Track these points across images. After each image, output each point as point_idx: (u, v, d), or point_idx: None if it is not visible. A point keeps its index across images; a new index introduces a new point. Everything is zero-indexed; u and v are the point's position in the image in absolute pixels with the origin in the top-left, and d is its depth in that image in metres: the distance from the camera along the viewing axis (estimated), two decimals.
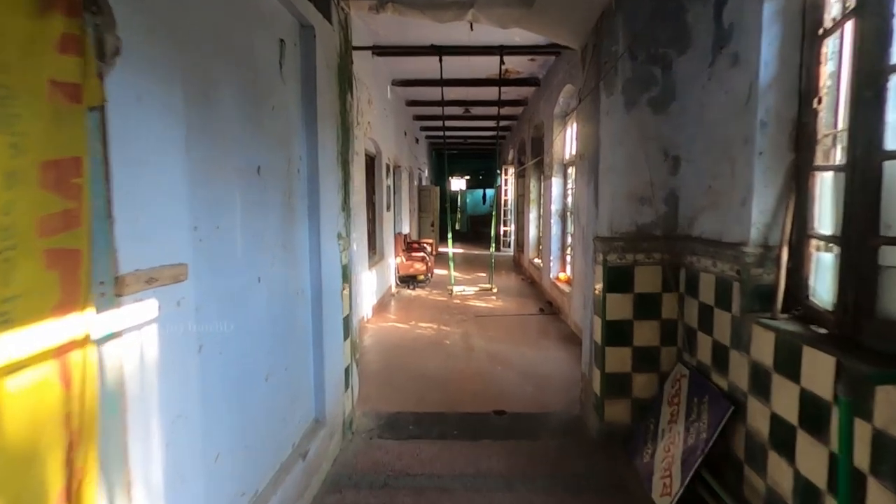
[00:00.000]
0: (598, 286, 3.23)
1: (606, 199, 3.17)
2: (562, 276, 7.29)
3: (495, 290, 5.97)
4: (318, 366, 2.87)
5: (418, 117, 12.08)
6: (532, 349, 5.32)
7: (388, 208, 8.38)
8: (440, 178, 22.31)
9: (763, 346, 2.19)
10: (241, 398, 2.02)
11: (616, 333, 3.11)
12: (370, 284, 6.75)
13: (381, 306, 7.33)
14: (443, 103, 7.60)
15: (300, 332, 2.68)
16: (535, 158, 9.47)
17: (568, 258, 7.29)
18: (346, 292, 3.30)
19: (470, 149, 19.10)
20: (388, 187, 8.44)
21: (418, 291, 8.70)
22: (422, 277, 9.15)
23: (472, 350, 5.26)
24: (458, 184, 23.60)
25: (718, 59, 2.60)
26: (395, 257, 9.02)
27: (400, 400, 3.92)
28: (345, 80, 3.35)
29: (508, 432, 3.36)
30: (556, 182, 7.42)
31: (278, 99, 2.39)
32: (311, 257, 2.80)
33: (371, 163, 7.48)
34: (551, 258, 7.54)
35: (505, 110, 11.48)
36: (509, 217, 15.00)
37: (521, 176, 11.61)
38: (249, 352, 2.09)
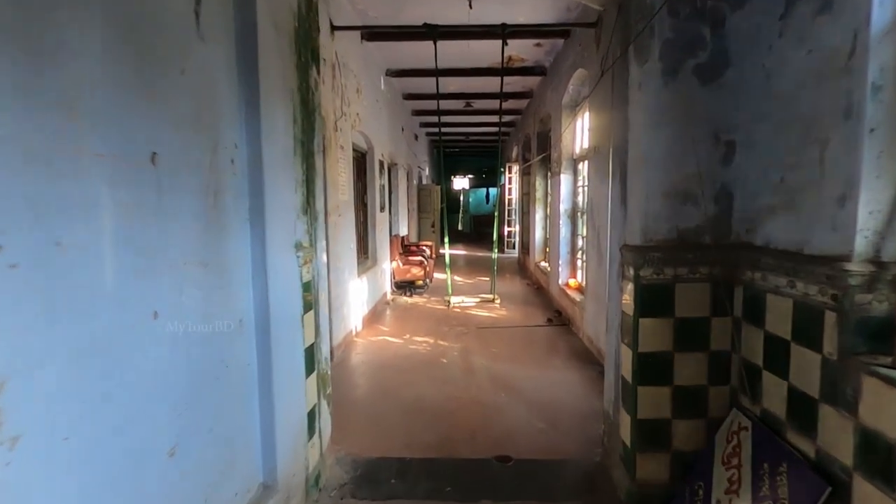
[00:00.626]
0: (628, 308, 2.56)
1: (638, 198, 2.49)
2: (572, 282, 6.61)
3: (498, 301, 5.32)
4: (266, 415, 2.22)
5: (418, 112, 11.43)
6: (541, 369, 4.65)
7: (383, 209, 7.73)
8: (442, 176, 21.66)
9: (883, 408, 1.51)
10: (122, 491, 1.37)
11: (651, 369, 2.43)
12: (360, 293, 6.10)
13: (373, 317, 6.68)
14: (439, 96, 6.93)
15: (236, 377, 2.03)
16: (540, 154, 8.79)
17: (579, 263, 6.61)
18: (309, 316, 2.64)
19: (473, 146, 18.44)
20: (383, 186, 7.79)
21: (416, 299, 8.04)
22: (420, 283, 8.49)
23: (473, 371, 4.60)
24: (461, 183, 22.96)
25: (796, 6, 1.92)
26: (391, 261, 8.37)
27: (383, 440, 3.25)
28: (308, 51, 2.68)
29: (515, 489, 2.69)
30: (564, 179, 6.74)
31: (193, 62, 1.73)
32: (255, 276, 2.14)
33: (362, 159, 6.83)
34: (560, 262, 6.86)
35: (509, 104, 10.82)
36: (513, 217, 14.32)
37: (526, 174, 10.94)
38: (134, 422, 1.43)
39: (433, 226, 12.97)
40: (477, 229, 19.65)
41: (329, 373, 3.08)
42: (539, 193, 9.27)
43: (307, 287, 2.60)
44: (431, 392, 4.09)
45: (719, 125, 2.30)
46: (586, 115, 6.08)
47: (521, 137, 11.76)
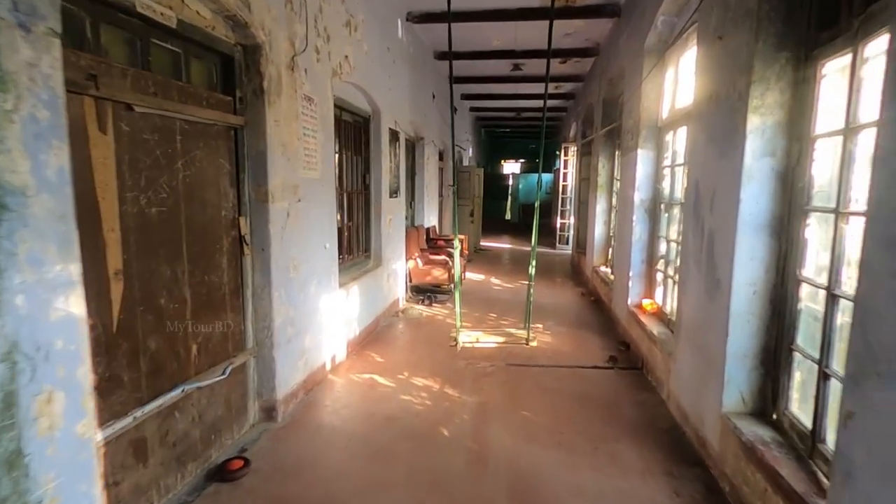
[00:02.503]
0: None
1: None
2: (647, 304, 4.63)
3: (535, 342, 3.42)
4: None
5: (457, 80, 9.56)
6: (599, 466, 2.79)
7: (396, 194, 6.00)
8: (490, 159, 19.70)
9: None
10: None
11: None
12: (347, 308, 4.43)
13: (368, 338, 5.01)
14: (450, 15, 5.05)
15: None
16: (606, 127, 6.73)
17: (658, 276, 4.62)
18: None
19: (524, 126, 16.35)
20: (397, 166, 6.05)
21: (436, 309, 6.30)
22: (445, 287, 6.74)
23: (486, 463, 2.81)
24: (510, 167, 20.92)
25: None
26: (408, 260, 6.66)
27: None
28: None
29: None
30: (643, 157, 4.72)
31: None
32: None
33: (361, 125, 5.11)
34: (630, 274, 4.87)
35: (567, 68, 8.74)
36: (568, 208, 12.22)
37: (585, 153, 8.85)
38: None
39: (472, 214, 11.13)
40: (526, 220, 17.61)
41: None
42: (602, 178, 7.21)
43: None
44: None
45: None
46: (685, 58, 4.04)
47: (580, 111, 9.64)
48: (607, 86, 6.75)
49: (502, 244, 13.59)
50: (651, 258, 4.77)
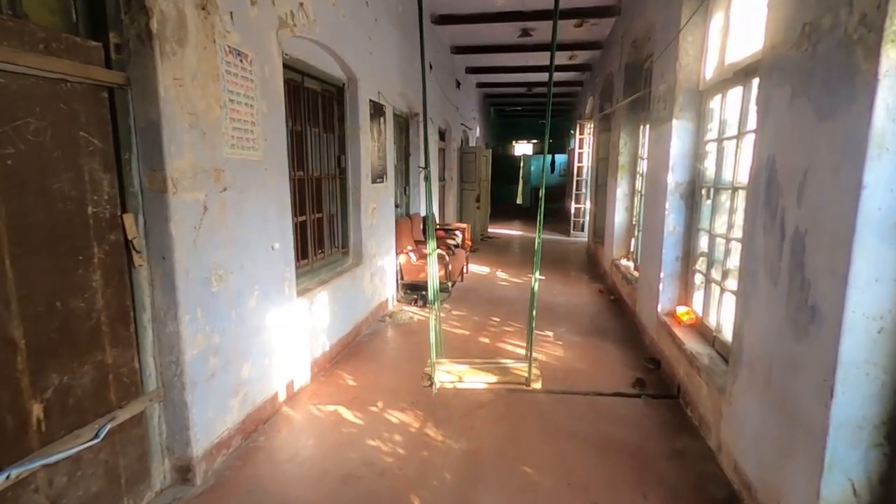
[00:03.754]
0: None
1: None
2: (683, 312, 3.73)
3: (539, 384, 2.53)
4: None
5: (459, 49, 8.59)
6: None
7: (381, 178, 5.13)
8: (500, 140, 18.65)
9: None
10: None
11: None
12: (312, 320, 3.62)
13: (344, 352, 4.21)
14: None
15: None
16: (629, 96, 5.75)
17: (697, 279, 3.71)
18: None
19: (536, 104, 15.25)
20: (382, 146, 5.17)
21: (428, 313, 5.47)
22: (443, 283, 5.89)
23: None
24: (522, 148, 19.85)
25: None
26: (399, 255, 5.82)
27: None
28: None
29: None
30: (679, 129, 3.77)
31: None
32: None
33: (333, 94, 4.23)
34: (661, 275, 3.96)
35: (582, 33, 7.70)
36: (583, 191, 11.23)
37: (604, 129, 7.85)
38: None
39: (478, 200, 10.21)
40: (538, 204, 16.58)
41: None
42: (623, 158, 6.25)
43: None
44: None
45: None
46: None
47: (598, 83, 8.59)
48: (631, 49, 5.75)
49: (512, 231, 12.67)
50: (688, 255, 3.85)
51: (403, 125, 6.56)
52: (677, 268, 3.93)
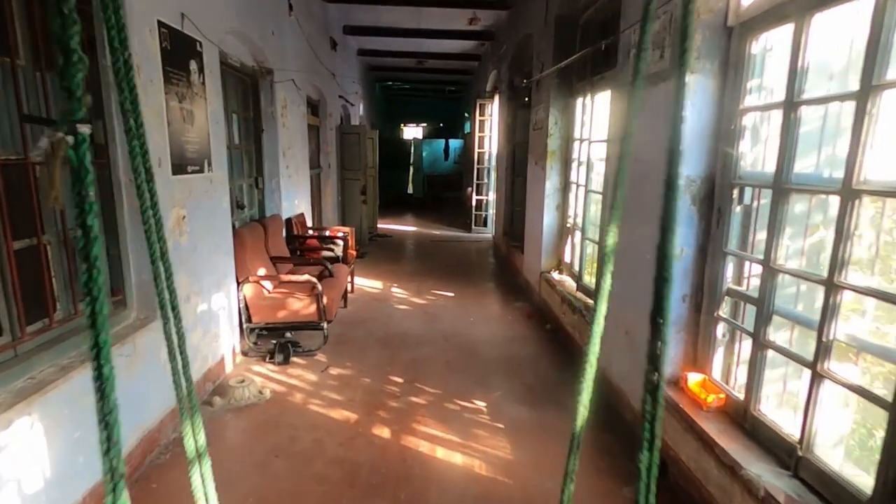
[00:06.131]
0: None
1: None
2: (696, 383, 2.32)
3: None
4: None
5: None
6: None
7: (200, 166, 3.05)
8: (388, 122, 16.75)
9: None
10: None
11: None
12: None
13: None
14: None
15: None
16: (565, 58, 4.28)
17: (719, 331, 2.33)
18: None
19: (428, 80, 13.59)
20: (197, 111, 3.08)
21: (295, 373, 3.56)
22: (315, 323, 3.93)
23: None
24: (412, 132, 18.16)
25: None
26: (244, 284, 3.75)
27: None
28: None
29: None
30: (695, 88, 2.30)
31: None
32: None
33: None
34: (672, 329, 2.52)
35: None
36: (486, 181, 9.87)
37: (521, 107, 6.38)
38: None
39: (364, 192, 8.29)
40: (433, 193, 15.07)
41: None
42: (555, 141, 4.81)
43: None
44: None
45: None
46: None
47: (507, 51, 7.12)
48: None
49: (405, 226, 10.95)
50: (707, 295, 2.44)
51: (249, 86, 4.45)
52: (683, 312, 2.50)
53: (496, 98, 8.99)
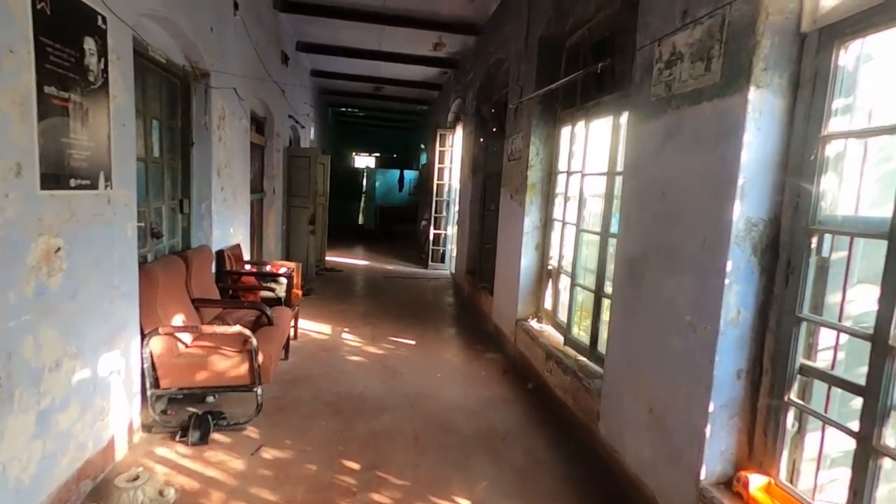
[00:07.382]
0: None
1: None
2: (761, 489, 1.73)
3: None
4: None
5: (288, 6, 5.88)
6: None
7: (95, 182, 2.24)
8: (338, 150, 16.04)
9: None
10: None
11: None
12: None
13: None
14: None
15: None
16: (549, 83, 3.82)
17: (790, 418, 1.77)
18: None
19: (383, 109, 13.08)
20: (90, 108, 2.29)
21: (216, 460, 2.68)
22: (243, 386, 3.06)
23: None
24: (364, 161, 17.54)
25: None
26: (152, 337, 2.85)
27: None
28: None
29: None
30: (759, 110, 1.81)
31: None
32: None
33: None
34: (711, 408, 1.94)
35: (456, 6, 5.75)
36: (444, 214, 9.33)
37: (495, 136, 5.88)
38: None
39: (313, 222, 7.46)
40: (385, 225, 14.34)
41: None
42: (536, 173, 4.30)
43: None
44: None
45: None
46: None
47: (474, 78, 6.70)
48: (553, 14, 3.86)
49: (356, 259, 10.13)
50: (771, 371, 1.89)
51: (178, 89, 3.66)
52: (738, 393, 1.94)
53: (458, 128, 8.56)
